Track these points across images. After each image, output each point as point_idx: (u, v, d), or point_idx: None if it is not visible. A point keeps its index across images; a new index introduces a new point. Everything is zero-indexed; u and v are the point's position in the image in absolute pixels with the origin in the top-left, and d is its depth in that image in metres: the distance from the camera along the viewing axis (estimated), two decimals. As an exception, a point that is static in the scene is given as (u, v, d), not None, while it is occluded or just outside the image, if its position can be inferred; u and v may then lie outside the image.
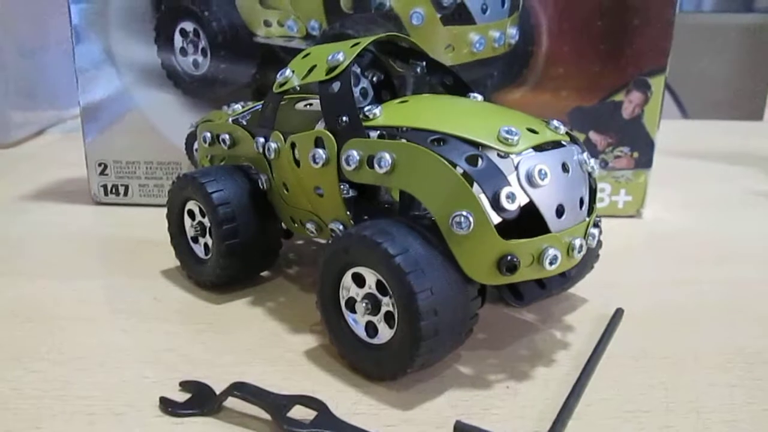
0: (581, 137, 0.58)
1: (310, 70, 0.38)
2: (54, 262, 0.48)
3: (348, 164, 0.34)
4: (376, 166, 0.33)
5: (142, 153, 0.60)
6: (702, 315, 0.42)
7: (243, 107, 0.46)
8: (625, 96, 0.57)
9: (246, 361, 0.35)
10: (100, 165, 0.60)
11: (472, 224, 0.30)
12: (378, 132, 0.34)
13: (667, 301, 0.43)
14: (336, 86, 0.35)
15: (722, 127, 1.05)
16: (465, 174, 0.31)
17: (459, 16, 0.55)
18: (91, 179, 0.61)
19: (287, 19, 0.55)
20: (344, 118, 0.35)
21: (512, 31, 0.55)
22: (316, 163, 0.35)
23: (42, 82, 0.90)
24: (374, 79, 0.46)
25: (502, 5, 0.55)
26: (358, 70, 0.47)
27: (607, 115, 0.57)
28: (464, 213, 0.30)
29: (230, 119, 0.44)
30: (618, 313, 0.40)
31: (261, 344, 0.37)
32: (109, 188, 0.61)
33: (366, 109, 0.35)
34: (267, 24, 0.56)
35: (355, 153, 0.34)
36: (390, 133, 0.34)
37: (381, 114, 0.35)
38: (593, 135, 0.58)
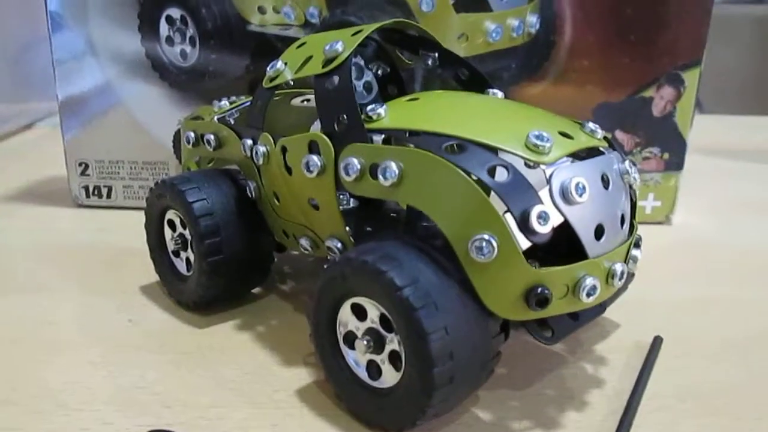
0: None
1: (305, 62, 0.33)
2: (22, 274, 0.44)
3: (347, 174, 0.29)
4: (380, 176, 0.27)
5: (126, 152, 0.55)
6: (752, 342, 0.36)
7: (230, 103, 0.41)
8: (656, 91, 0.51)
9: (227, 402, 0.30)
10: (80, 164, 0.55)
11: (495, 250, 0.25)
12: (383, 136, 0.29)
13: (709, 323, 0.38)
14: (334, 81, 0.30)
15: (743, 122, 0.99)
16: (487, 188, 0.25)
17: (473, 2, 0.49)
18: (71, 180, 0.56)
19: (284, 6, 0.50)
20: (343, 119, 0.29)
21: (532, 19, 0.50)
22: (310, 172, 0.30)
23: (33, 73, 0.86)
24: (379, 72, 0.41)
25: (522, -10, 0.49)
26: (362, 62, 0.42)
27: (636, 113, 0.52)
28: (486, 236, 0.25)
29: (216, 117, 0.39)
30: (656, 343, 0.35)
31: (246, 380, 0.32)
32: (90, 189, 0.56)
33: (369, 108, 0.30)
34: (261, 11, 0.50)
35: (355, 161, 0.28)
36: (397, 137, 0.29)
37: (386, 114, 0.30)
38: (620, 134, 0.53)
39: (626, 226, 0.29)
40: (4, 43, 0.84)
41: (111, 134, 0.54)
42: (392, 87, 0.42)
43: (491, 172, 0.26)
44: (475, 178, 0.26)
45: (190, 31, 0.51)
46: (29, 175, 0.64)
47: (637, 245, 0.31)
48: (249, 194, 0.36)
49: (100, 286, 0.42)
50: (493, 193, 0.25)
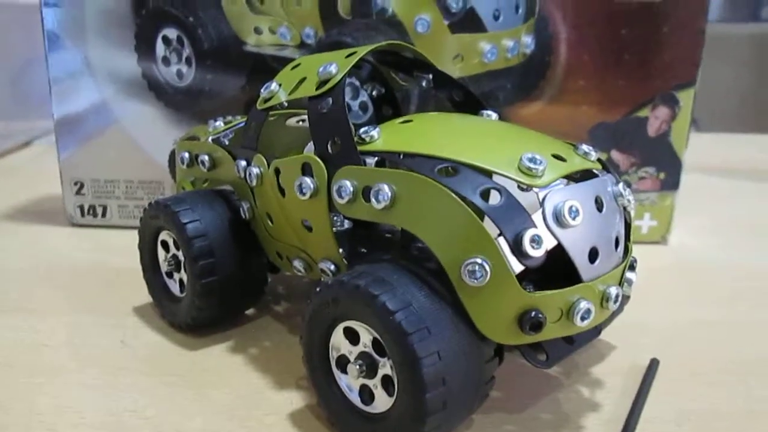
0: (602, 156, 0.53)
1: (299, 84, 0.33)
2: (15, 294, 0.43)
3: (340, 196, 0.29)
4: (373, 199, 0.27)
5: (122, 171, 0.55)
6: (751, 365, 0.36)
7: (225, 124, 0.41)
8: (651, 111, 0.52)
9: (218, 427, 0.30)
10: (76, 184, 0.55)
11: (488, 274, 0.25)
12: (376, 158, 0.29)
13: (707, 347, 0.38)
14: (327, 103, 0.30)
15: (740, 140, 1.00)
16: (480, 212, 0.25)
17: (469, 23, 0.50)
18: (66, 199, 0.56)
19: (280, 26, 0.50)
20: (336, 141, 0.29)
21: (527, 40, 0.50)
22: (303, 194, 0.30)
23: (32, 91, 0.86)
24: (374, 93, 0.41)
25: (516, 11, 0.50)
26: (357, 83, 0.42)
27: (631, 133, 0.52)
28: (479, 260, 0.25)
29: (210, 138, 0.39)
30: (653, 366, 0.35)
31: (238, 404, 0.32)
32: (85, 209, 0.56)
33: (362, 130, 0.30)
34: (257, 31, 0.51)
35: (348, 183, 0.28)
36: (390, 159, 0.29)
37: (380, 136, 0.30)
38: (616, 154, 0.53)
39: (620, 248, 0.29)
40: (4, 61, 0.84)
41: (107, 153, 0.54)
42: (387, 108, 0.42)
43: (484, 195, 0.26)
44: (467, 201, 0.25)
45: (187, 51, 0.51)
46: (25, 193, 0.64)
47: (631, 267, 0.31)
48: (243, 215, 0.36)
49: (94, 306, 0.41)
50: (486, 216, 0.25)
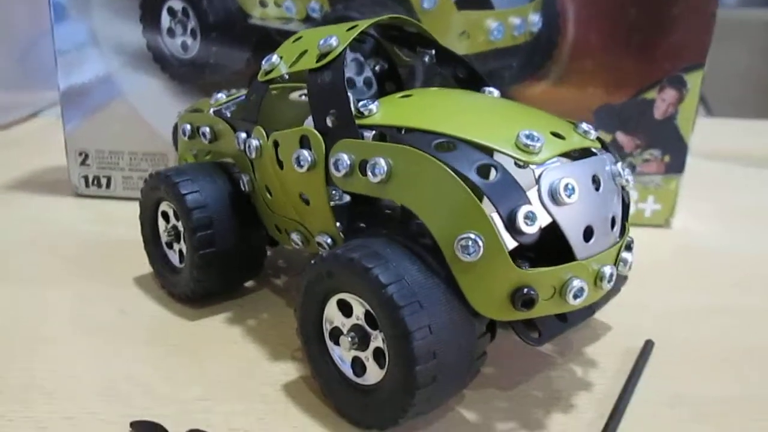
0: (607, 138, 0.52)
1: (300, 57, 0.33)
2: (19, 264, 0.44)
3: (337, 169, 0.29)
4: (369, 173, 0.27)
5: (126, 142, 0.55)
6: (748, 352, 0.36)
7: (228, 96, 0.41)
8: (658, 94, 0.51)
9: (214, 396, 0.30)
10: (80, 154, 0.55)
11: (481, 249, 0.25)
12: (373, 132, 0.29)
13: (705, 332, 0.38)
14: (327, 76, 0.30)
15: (752, 126, 0.98)
16: (475, 187, 0.25)
17: (476, 0, 0.49)
18: (71, 169, 0.56)
19: (285, 0, 0.50)
20: (335, 114, 0.29)
21: (534, 18, 0.50)
22: (301, 167, 0.30)
23: (40, 62, 0.86)
24: (377, 68, 0.41)
25: (525, -12, 0.49)
26: (362, 58, 0.42)
27: (637, 115, 0.52)
28: (472, 236, 0.25)
29: (212, 110, 0.39)
30: (648, 347, 0.35)
31: (234, 374, 0.32)
32: (90, 179, 0.56)
33: (361, 104, 0.30)
34: (263, 4, 0.50)
35: (345, 157, 0.28)
36: (388, 134, 0.28)
37: (378, 111, 0.30)
38: (621, 136, 0.52)
39: (617, 228, 0.29)
40: (13, 32, 0.84)
41: (111, 125, 0.54)
42: (390, 83, 0.42)
43: (480, 171, 0.26)
44: (463, 176, 0.25)
45: (192, 23, 0.51)
46: (31, 164, 0.65)
47: (628, 248, 0.31)
48: (243, 188, 0.36)
49: (95, 276, 0.42)
50: (481, 191, 0.25)
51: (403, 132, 0.28)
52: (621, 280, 0.36)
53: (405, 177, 0.27)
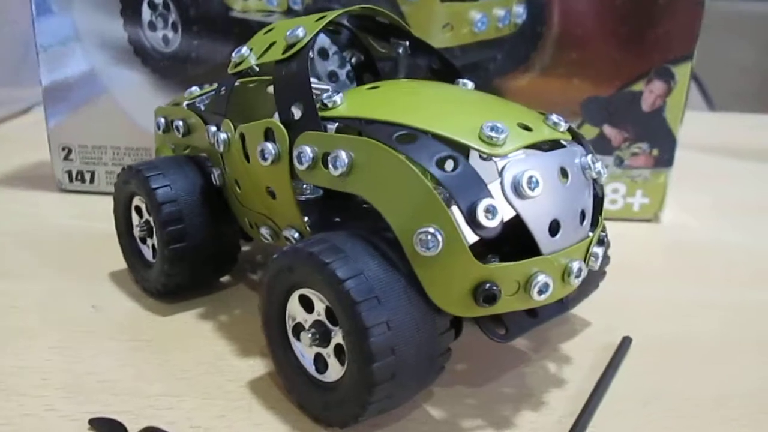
0: (594, 131, 0.52)
1: (268, 48, 0.32)
2: (-3, 258, 0.43)
3: (300, 162, 0.28)
4: (330, 166, 0.27)
5: (109, 137, 0.54)
6: (729, 349, 0.35)
7: (201, 89, 0.40)
8: (646, 86, 0.50)
9: (178, 392, 0.30)
10: (64, 149, 0.55)
11: (441, 244, 0.24)
12: (336, 125, 0.28)
13: (687, 329, 0.37)
14: (291, 67, 0.30)
15: (753, 121, 0.97)
16: (435, 180, 0.25)
17: (459, -9, 0.48)
18: (54, 165, 0.56)
19: (266, -8, 0.49)
20: (299, 107, 0.29)
21: (519, 10, 0.49)
22: (265, 160, 0.29)
23: (32, 57, 0.86)
24: (353, 60, 0.40)
25: (508, -21, 0.48)
26: (337, 51, 0.41)
27: (625, 107, 0.51)
28: (431, 230, 0.24)
29: (185, 103, 0.39)
30: (625, 343, 0.34)
31: (200, 370, 0.32)
32: (73, 174, 0.56)
33: (325, 96, 0.29)
34: (244, -4, 0.50)
35: (308, 149, 0.28)
36: (351, 126, 0.28)
37: (343, 102, 0.29)
38: (608, 129, 0.52)
39: (587, 222, 0.28)
40: (8, 28, 0.84)
41: (94, 120, 0.54)
42: (368, 75, 0.41)
43: (440, 163, 0.25)
44: (423, 169, 0.25)
45: (173, 16, 0.51)
46: (18, 159, 0.64)
47: (601, 242, 0.30)
48: (214, 182, 0.36)
49: (70, 271, 0.42)
50: (441, 184, 0.25)
51: (365, 124, 0.27)
52: (599, 275, 0.36)
53: (365, 170, 0.26)
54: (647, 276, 0.44)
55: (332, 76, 0.50)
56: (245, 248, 0.43)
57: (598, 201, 0.30)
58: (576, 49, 0.50)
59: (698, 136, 0.78)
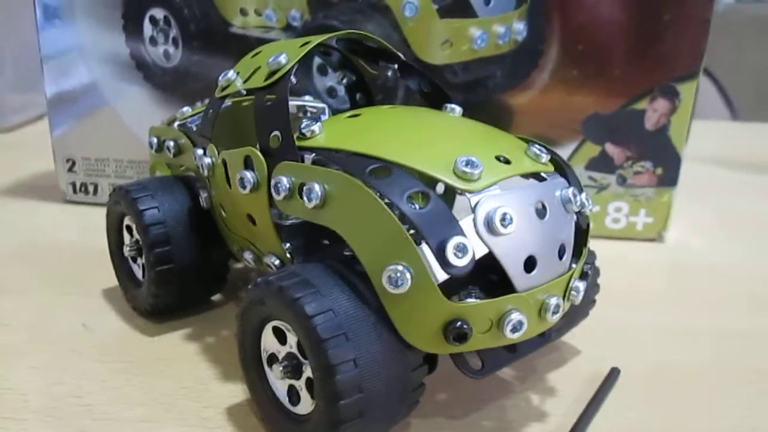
0: (596, 149, 0.51)
1: (253, 73, 0.32)
2: (-7, 271, 0.44)
3: (277, 192, 0.28)
4: (304, 198, 0.27)
5: (112, 150, 0.55)
6: (721, 381, 0.34)
7: (193, 109, 0.40)
8: (649, 104, 0.49)
9: (156, 418, 0.30)
10: (68, 161, 0.56)
11: (409, 281, 0.24)
12: (313, 155, 0.28)
13: (680, 359, 0.36)
14: (271, 95, 0.29)
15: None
16: (405, 217, 0.24)
17: (458, 8, 0.48)
18: (59, 176, 0.56)
19: (265, 8, 0.50)
20: (277, 135, 0.29)
21: (519, 26, 0.48)
22: (244, 188, 0.29)
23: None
24: (344, 81, 0.40)
25: (509, -4, 0.48)
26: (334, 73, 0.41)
27: (627, 125, 0.50)
28: (400, 267, 0.24)
29: (176, 124, 0.39)
30: (612, 375, 0.34)
31: (181, 394, 0.32)
32: (77, 186, 0.56)
33: (303, 125, 0.29)
34: (243, 13, 0.50)
35: (284, 180, 0.28)
36: (327, 157, 0.28)
37: (321, 132, 0.29)
38: (610, 147, 0.51)
39: (567, 256, 0.27)
40: (19, 33, 0.85)
41: (97, 132, 0.54)
42: (361, 96, 0.41)
43: (411, 199, 0.25)
44: (393, 205, 0.24)
45: (173, 31, 0.51)
46: (27, 167, 0.65)
47: (585, 275, 0.29)
48: (202, 204, 0.36)
49: (64, 287, 0.42)
50: (411, 221, 0.24)
51: (341, 155, 0.27)
52: (588, 303, 0.35)
53: (338, 203, 0.26)
54: (645, 300, 0.43)
55: (331, 92, 0.50)
56: (238, 266, 0.43)
57: (583, 233, 0.29)
58: (577, 67, 0.49)
59: (715, 147, 0.76)
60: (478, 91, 0.50)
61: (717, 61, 1.08)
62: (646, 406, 0.32)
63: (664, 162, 0.51)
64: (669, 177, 0.51)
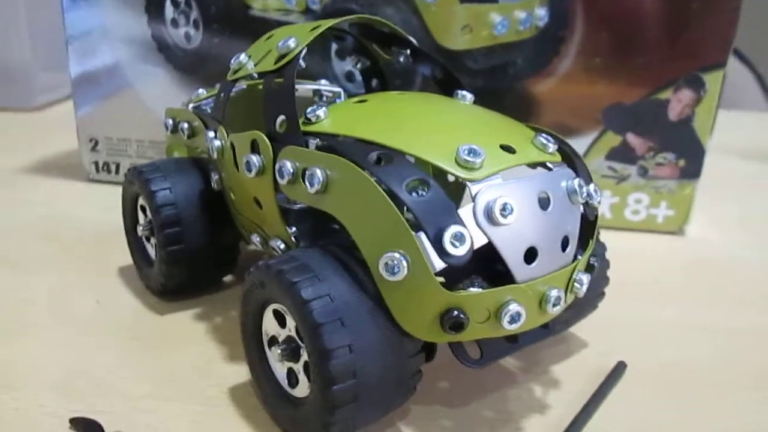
0: (617, 139, 0.50)
1: (264, 56, 0.32)
2: (16, 248, 0.45)
3: (281, 177, 0.28)
4: (307, 183, 0.27)
5: (133, 130, 0.56)
6: (729, 380, 0.34)
7: (208, 92, 0.41)
8: (673, 94, 0.48)
9: (161, 395, 0.31)
10: (91, 140, 0.57)
11: (405, 269, 0.24)
12: (317, 141, 0.28)
13: (689, 355, 0.36)
14: (279, 79, 0.30)
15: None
16: (403, 205, 0.24)
17: (479, -8, 0.47)
18: (83, 155, 0.58)
19: (285, -9, 0.49)
20: (283, 120, 0.29)
21: (541, 12, 0.47)
22: (250, 171, 0.30)
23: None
24: (358, 65, 0.40)
25: (530, -19, 0.47)
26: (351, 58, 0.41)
27: (650, 116, 0.49)
28: (396, 255, 0.24)
29: (191, 106, 0.39)
30: (618, 369, 0.33)
31: (187, 372, 0.32)
32: (100, 165, 0.58)
33: (309, 110, 0.29)
34: (263, -5, 0.50)
35: (289, 164, 0.28)
36: (330, 142, 0.28)
37: (326, 117, 0.29)
38: (632, 137, 0.50)
39: (571, 248, 0.27)
40: (50, 11, 0.86)
41: (119, 113, 0.55)
42: (376, 81, 0.41)
43: (411, 188, 0.25)
44: (392, 193, 0.24)
45: (194, 13, 0.51)
46: (54, 146, 0.67)
47: (590, 268, 0.29)
48: (213, 185, 0.36)
49: (82, 264, 0.43)
50: (410, 209, 0.24)
51: (344, 141, 0.27)
52: (597, 296, 0.35)
53: (339, 189, 0.26)
54: (660, 294, 0.42)
55: (350, 77, 0.50)
56: (250, 248, 0.44)
57: (590, 224, 0.29)
58: (600, 54, 0.48)
59: (747, 138, 0.74)
60: (499, 78, 0.49)
61: (756, 48, 1.04)
62: (649, 403, 0.32)
63: (687, 154, 0.50)
64: (692, 169, 0.50)
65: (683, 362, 0.35)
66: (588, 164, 0.49)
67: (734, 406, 0.32)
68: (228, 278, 0.41)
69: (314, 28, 0.31)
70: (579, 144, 0.50)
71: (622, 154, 0.50)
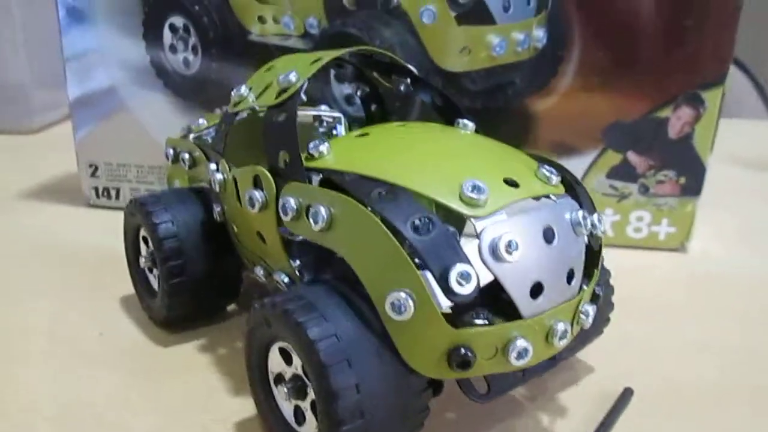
0: (617, 158, 0.50)
1: (265, 89, 0.32)
2: (15, 274, 0.45)
3: (285, 213, 0.28)
4: (311, 220, 0.27)
5: (133, 155, 0.56)
6: (737, 401, 0.33)
7: (209, 120, 0.41)
8: (673, 112, 0.48)
9: (163, 429, 0.30)
10: (90, 166, 0.57)
11: (412, 309, 0.24)
12: (320, 176, 0.28)
13: (696, 377, 0.35)
14: (280, 114, 0.30)
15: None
16: (408, 244, 0.24)
17: (477, 14, 0.47)
18: (82, 180, 0.57)
19: (283, 16, 0.50)
20: (285, 155, 0.29)
21: (539, 33, 0.48)
22: (253, 207, 0.29)
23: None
24: (358, 93, 0.40)
25: (528, 3, 0.47)
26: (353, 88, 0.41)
27: (650, 134, 0.49)
28: (402, 294, 0.24)
29: (192, 136, 0.39)
30: (625, 396, 0.33)
31: (190, 405, 0.32)
32: (100, 191, 0.57)
33: (311, 145, 0.29)
34: (262, 20, 0.50)
35: (292, 201, 0.28)
36: (333, 178, 0.28)
37: (329, 152, 0.29)
38: (632, 156, 0.50)
39: (576, 280, 0.27)
40: (46, 30, 0.86)
41: (118, 137, 0.55)
42: (376, 107, 0.41)
43: (415, 226, 0.24)
44: (396, 231, 0.24)
45: (193, 39, 0.51)
46: (55, 170, 0.66)
47: (595, 298, 0.29)
48: (215, 217, 0.36)
49: (84, 294, 0.43)
50: (414, 248, 0.24)
51: (347, 177, 0.27)
52: (602, 321, 0.35)
53: (343, 227, 0.26)
54: (664, 313, 0.42)
55: (349, 100, 0.50)
56: (253, 275, 0.44)
57: (594, 254, 0.29)
58: (598, 74, 0.48)
59: (747, 147, 0.74)
60: (498, 98, 0.49)
61: (754, 57, 1.04)
62: (660, 428, 0.32)
63: (688, 171, 0.50)
64: (693, 186, 0.50)
65: (692, 383, 0.35)
66: (589, 183, 0.50)
67: (750, 428, 0.32)
68: (231, 307, 0.41)
69: (315, 61, 0.31)
70: (580, 163, 0.50)
71: (623, 172, 0.50)
